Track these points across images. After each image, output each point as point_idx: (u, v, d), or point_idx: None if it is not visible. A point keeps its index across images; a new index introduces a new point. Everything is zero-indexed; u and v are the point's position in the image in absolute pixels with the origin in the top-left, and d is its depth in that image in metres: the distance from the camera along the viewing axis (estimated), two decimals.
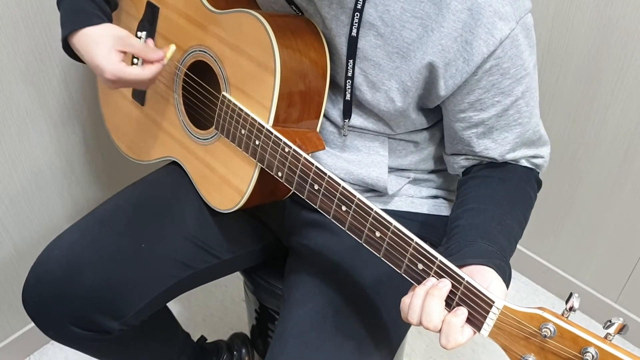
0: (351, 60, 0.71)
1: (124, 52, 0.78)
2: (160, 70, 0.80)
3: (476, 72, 0.66)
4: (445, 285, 0.55)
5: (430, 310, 0.55)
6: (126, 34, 0.78)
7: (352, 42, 0.70)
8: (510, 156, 0.75)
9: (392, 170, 0.82)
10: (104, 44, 0.76)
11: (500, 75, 0.67)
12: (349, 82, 0.73)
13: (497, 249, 0.63)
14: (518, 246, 1.65)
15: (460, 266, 0.59)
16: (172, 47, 0.82)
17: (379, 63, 0.70)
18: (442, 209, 0.87)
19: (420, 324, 0.57)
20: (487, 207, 0.70)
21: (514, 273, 1.56)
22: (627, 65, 1.14)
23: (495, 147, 0.73)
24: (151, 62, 0.79)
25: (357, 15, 0.68)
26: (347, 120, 0.76)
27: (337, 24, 0.71)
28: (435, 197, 0.87)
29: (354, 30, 0.69)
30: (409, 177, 0.84)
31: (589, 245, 1.40)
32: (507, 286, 0.60)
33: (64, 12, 0.80)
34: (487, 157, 0.75)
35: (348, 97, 0.74)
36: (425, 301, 0.56)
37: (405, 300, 0.59)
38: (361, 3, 0.68)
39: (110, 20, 0.82)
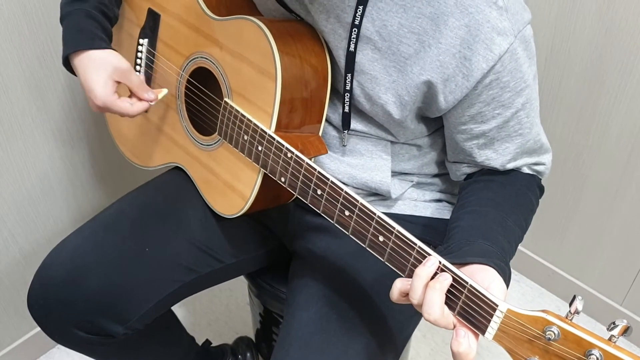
0: (349, 75, 0.72)
1: (119, 83, 0.80)
2: (145, 110, 0.82)
3: (476, 87, 0.66)
4: (446, 278, 0.56)
5: (432, 302, 0.55)
6: (127, 67, 0.80)
7: (350, 57, 0.71)
8: (511, 165, 0.75)
9: (395, 174, 0.82)
10: (104, 71, 0.78)
11: (500, 88, 0.67)
12: (347, 95, 0.73)
13: (498, 250, 0.63)
14: (523, 249, 1.65)
15: (460, 264, 0.59)
16: (164, 91, 0.85)
17: (376, 77, 0.70)
18: (445, 212, 0.87)
19: (420, 309, 0.57)
20: (488, 209, 0.70)
21: (519, 276, 1.56)
22: (630, 68, 1.14)
23: (496, 158, 0.74)
24: (140, 100, 0.82)
25: (354, 30, 0.69)
26: (346, 131, 0.77)
27: (335, 37, 0.72)
28: (439, 200, 0.87)
29: (352, 45, 0.70)
30: (412, 181, 0.84)
31: (594, 248, 1.40)
32: (507, 287, 0.60)
33: (66, 29, 0.81)
34: (489, 167, 0.75)
35: (347, 109, 0.75)
36: (426, 294, 0.56)
37: (398, 284, 0.59)
38: (359, 18, 0.68)
39: (110, 37, 0.84)
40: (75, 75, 0.82)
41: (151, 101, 0.82)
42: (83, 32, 0.80)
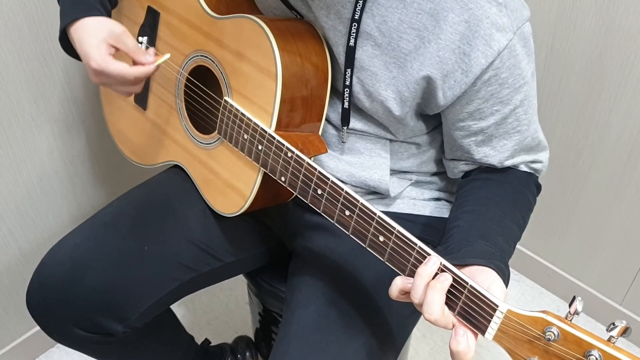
0: (349, 70, 0.72)
1: (117, 49, 0.77)
2: (146, 76, 0.78)
3: (475, 83, 0.67)
4: (447, 279, 0.56)
5: (432, 302, 0.55)
6: (122, 30, 0.77)
7: (350, 52, 0.71)
8: (509, 162, 0.75)
9: (394, 172, 0.82)
10: (98, 35, 0.76)
11: (498, 85, 0.67)
12: (346, 90, 0.73)
13: (497, 250, 0.63)
14: (523, 249, 1.65)
15: (460, 266, 0.59)
16: (166, 56, 0.81)
17: (376, 73, 0.70)
18: (444, 211, 0.87)
19: (420, 309, 0.57)
20: (487, 208, 0.70)
21: (519, 276, 1.57)
22: (630, 67, 1.14)
23: (494, 155, 0.74)
24: (141, 64, 0.78)
25: (354, 25, 0.69)
26: (345, 128, 0.77)
27: (335, 33, 0.72)
28: (438, 199, 0.87)
29: (352, 41, 0.70)
30: (411, 180, 0.84)
31: (593, 248, 1.40)
32: (506, 287, 0.60)
33: (63, 4, 0.80)
34: (487, 164, 0.76)
35: (346, 105, 0.75)
36: (427, 294, 0.56)
37: (398, 282, 0.59)
38: (359, 14, 0.68)
39: (109, 15, 0.82)
40: (72, 55, 0.81)
41: (150, 64, 0.78)
42: (79, 3, 0.78)
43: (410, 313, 0.81)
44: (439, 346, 1.40)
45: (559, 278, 1.50)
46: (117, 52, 0.78)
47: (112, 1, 0.86)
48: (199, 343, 1.16)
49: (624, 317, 1.39)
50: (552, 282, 1.52)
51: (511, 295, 1.52)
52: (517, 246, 0.71)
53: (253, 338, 1.25)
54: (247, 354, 1.23)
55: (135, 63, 0.78)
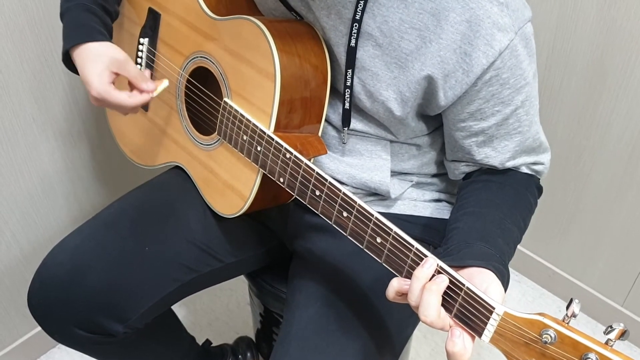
0: (350, 70, 0.72)
1: (117, 75, 0.79)
2: (144, 103, 0.81)
3: (476, 83, 0.66)
4: (443, 280, 0.56)
5: (428, 304, 0.55)
6: (124, 58, 0.79)
7: (351, 52, 0.71)
8: (510, 164, 0.75)
9: (394, 174, 0.82)
10: (101, 62, 0.77)
11: (499, 85, 0.67)
12: (347, 91, 0.73)
13: (496, 252, 0.63)
14: (523, 249, 1.65)
15: (459, 267, 0.59)
16: (165, 82, 0.83)
17: (377, 73, 0.70)
18: (445, 212, 0.87)
19: (417, 311, 0.57)
20: (487, 210, 0.70)
21: (519, 277, 1.56)
22: (631, 68, 1.14)
23: (495, 156, 0.74)
24: (140, 91, 0.80)
25: (355, 25, 0.69)
26: (346, 129, 0.77)
27: (336, 34, 0.72)
28: (438, 200, 0.87)
29: (353, 41, 0.70)
30: (411, 181, 0.84)
31: (594, 249, 1.39)
32: (505, 290, 0.60)
33: (66, 25, 0.81)
34: (488, 165, 0.75)
35: (347, 105, 0.75)
36: (423, 296, 0.56)
37: (394, 283, 0.59)
38: (360, 14, 0.68)
39: (110, 33, 0.84)
40: (75, 72, 0.82)
41: (151, 91, 0.80)
42: (82, 26, 0.80)
43: (410, 314, 0.80)
44: (440, 347, 1.39)
45: (560, 279, 1.49)
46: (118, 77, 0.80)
47: (114, 14, 0.86)
48: (200, 344, 1.16)
49: (625, 318, 1.39)
50: (553, 282, 1.51)
51: (512, 296, 1.52)
52: (518, 247, 0.70)
53: (254, 339, 1.25)
54: (248, 354, 1.23)
55: (133, 87, 0.81)
